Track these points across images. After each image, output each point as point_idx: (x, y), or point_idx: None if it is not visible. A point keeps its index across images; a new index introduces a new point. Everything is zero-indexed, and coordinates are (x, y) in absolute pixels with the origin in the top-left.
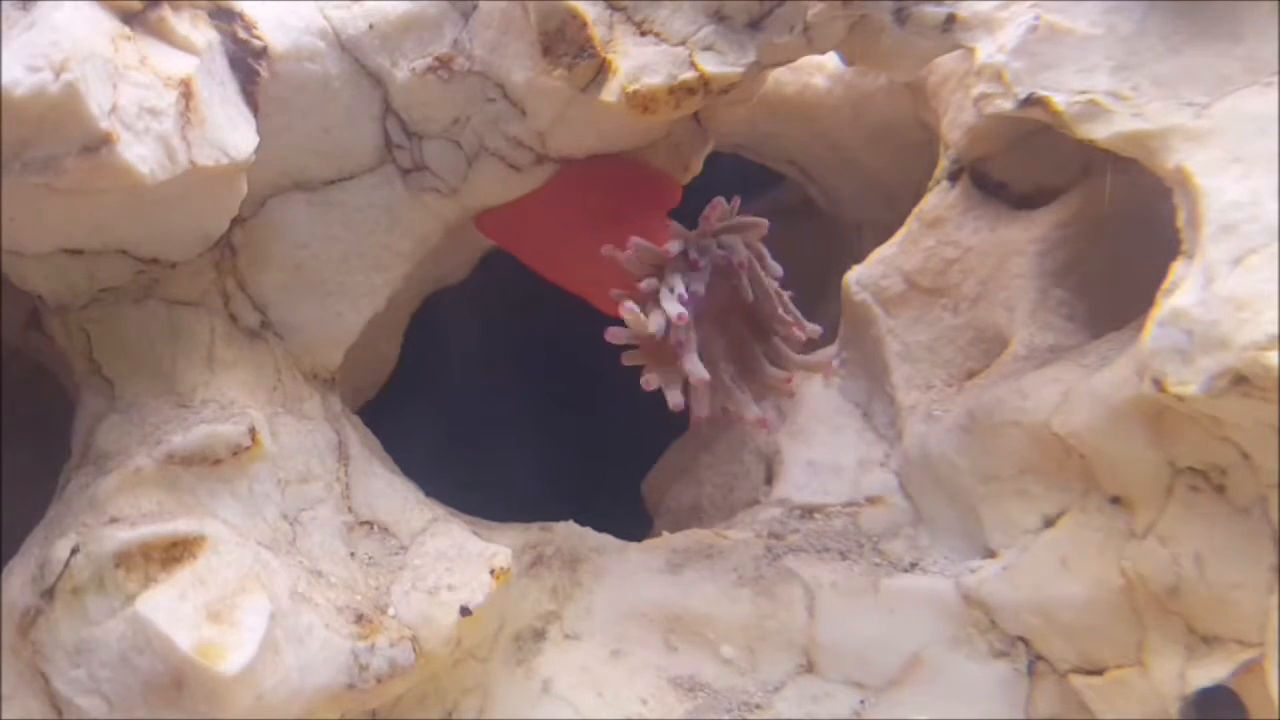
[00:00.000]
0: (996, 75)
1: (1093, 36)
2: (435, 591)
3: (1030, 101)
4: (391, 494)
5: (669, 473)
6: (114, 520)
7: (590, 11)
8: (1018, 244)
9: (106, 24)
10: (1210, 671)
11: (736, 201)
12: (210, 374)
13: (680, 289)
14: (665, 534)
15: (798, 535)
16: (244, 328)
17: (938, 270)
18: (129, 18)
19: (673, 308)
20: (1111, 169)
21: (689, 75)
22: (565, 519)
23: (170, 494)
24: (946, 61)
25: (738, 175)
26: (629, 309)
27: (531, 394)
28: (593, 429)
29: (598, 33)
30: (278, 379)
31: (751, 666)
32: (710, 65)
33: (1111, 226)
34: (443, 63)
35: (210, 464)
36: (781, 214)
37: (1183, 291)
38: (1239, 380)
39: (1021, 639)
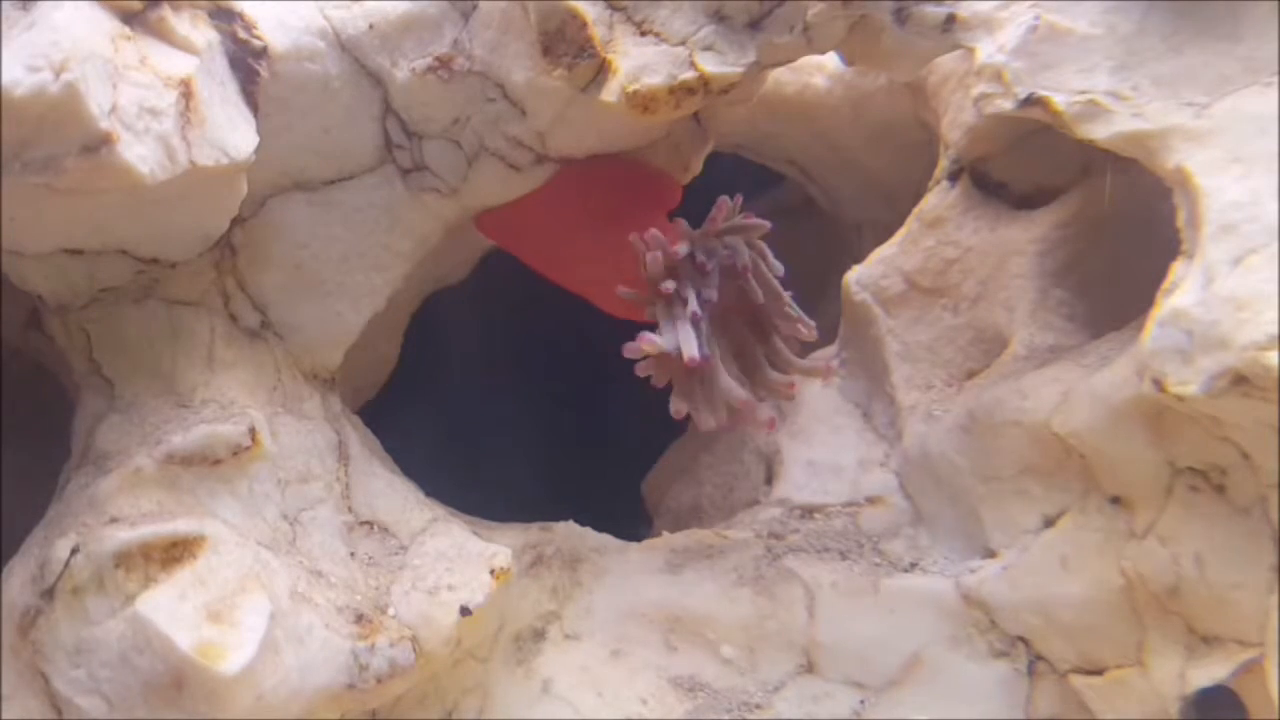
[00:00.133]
0: (996, 75)
1: (1093, 36)
2: (435, 591)
3: (1030, 101)
4: (391, 494)
5: (669, 473)
6: (114, 520)
7: (590, 11)
8: (1018, 244)
9: (106, 24)
10: (1210, 671)
11: (738, 200)
12: (210, 374)
13: (694, 305)
14: (665, 534)
15: (798, 535)
16: (244, 328)
17: (938, 270)
18: (129, 18)
19: (689, 346)
20: (1111, 169)
21: (689, 75)
22: (565, 519)
23: (170, 494)
24: (946, 61)
25: (738, 175)
26: (649, 340)
27: (531, 394)
28: (593, 429)
29: (598, 33)
30: (278, 379)
31: (751, 666)
32: (710, 65)
33: (1111, 226)
34: (443, 63)
35: (210, 464)
36: (781, 214)
37: (1183, 291)
38: (1239, 380)
39: (1021, 639)
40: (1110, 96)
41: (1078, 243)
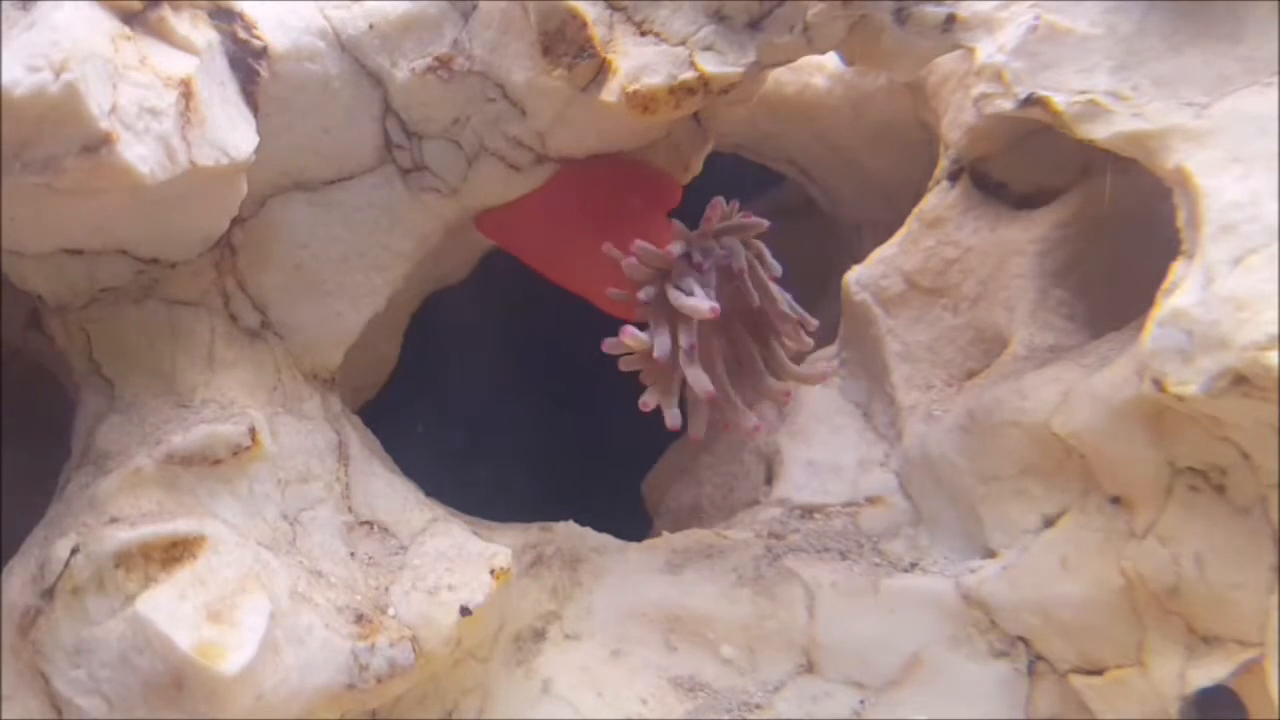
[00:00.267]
0: (996, 75)
1: (1093, 36)
2: (435, 591)
3: (1030, 101)
4: (391, 494)
5: (669, 473)
6: (114, 520)
7: (590, 11)
8: (1018, 244)
9: (106, 24)
10: (1210, 671)
11: (735, 205)
12: (210, 374)
13: (700, 295)
14: (665, 534)
15: (798, 535)
16: (244, 328)
17: (938, 270)
18: (129, 18)
19: (700, 384)
20: (1111, 169)
21: (689, 75)
22: (565, 519)
23: (170, 494)
24: (946, 61)
25: (738, 175)
26: (631, 334)
27: (531, 394)
28: (593, 429)
29: (598, 33)
30: (278, 379)
31: (751, 666)
32: (710, 65)
33: (1111, 226)
34: (443, 63)
35: (210, 464)
36: (781, 214)
37: (1183, 291)
38: (1239, 380)
39: (1021, 639)
40: (1110, 96)
41: (1078, 243)
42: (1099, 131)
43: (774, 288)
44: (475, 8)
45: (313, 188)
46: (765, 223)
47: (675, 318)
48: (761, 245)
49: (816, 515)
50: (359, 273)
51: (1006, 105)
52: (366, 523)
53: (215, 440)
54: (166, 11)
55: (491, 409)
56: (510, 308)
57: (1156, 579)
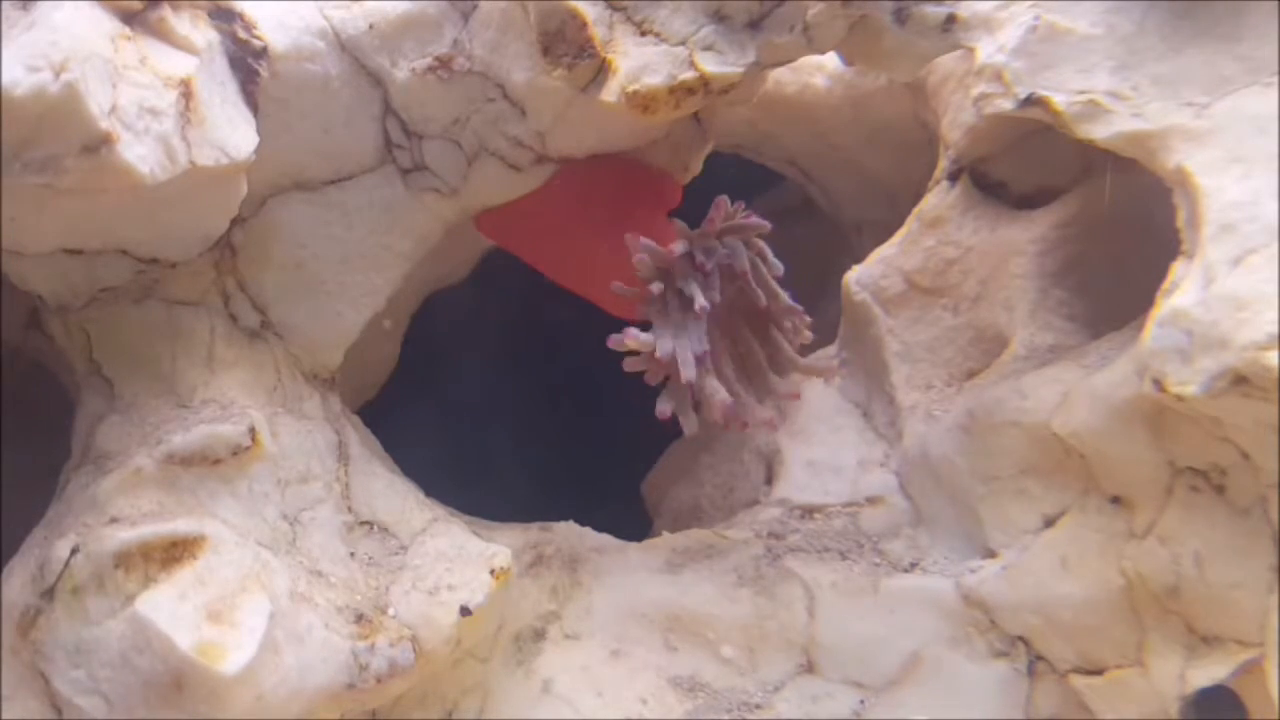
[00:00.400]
0: (996, 75)
1: (1093, 36)
2: (435, 591)
3: (1030, 101)
4: (391, 494)
5: (669, 473)
6: (114, 520)
7: (590, 11)
8: (1018, 244)
9: (106, 24)
10: (1210, 671)
11: (740, 205)
12: (210, 374)
13: (701, 300)
14: (665, 534)
15: (798, 535)
16: (244, 328)
17: (938, 270)
18: (129, 18)
19: (686, 366)
20: (1111, 169)
21: (689, 75)
22: (565, 519)
23: (170, 494)
24: (946, 61)
25: (738, 175)
26: (634, 335)
27: (531, 394)
28: (593, 429)
29: (598, 33)
30: (278, 379)
31: (751, 666)
32: (710, 65)
33: (1111, 226)
34: (443, 63)
35: (210, 464)
36: (781, 214)
37: (1183, 291)
38: (1239, 380)
39: (1021, 639)
40: (1110, 96)
41: (1078, 243)
42: (1099, 131)
43: (776, 287)
44: (475, 8)
45: (313, 188)
46: (767, 224)
47: (681, 320)
48: (763, 244)
49: (816, 515)
50: (359, 273)
51: (1006, 105)
52: (366, 523)
53: (215, 440)
54: (166, 11)
55: (491, 409)
56: (510, 308)
57: (1156, 579)
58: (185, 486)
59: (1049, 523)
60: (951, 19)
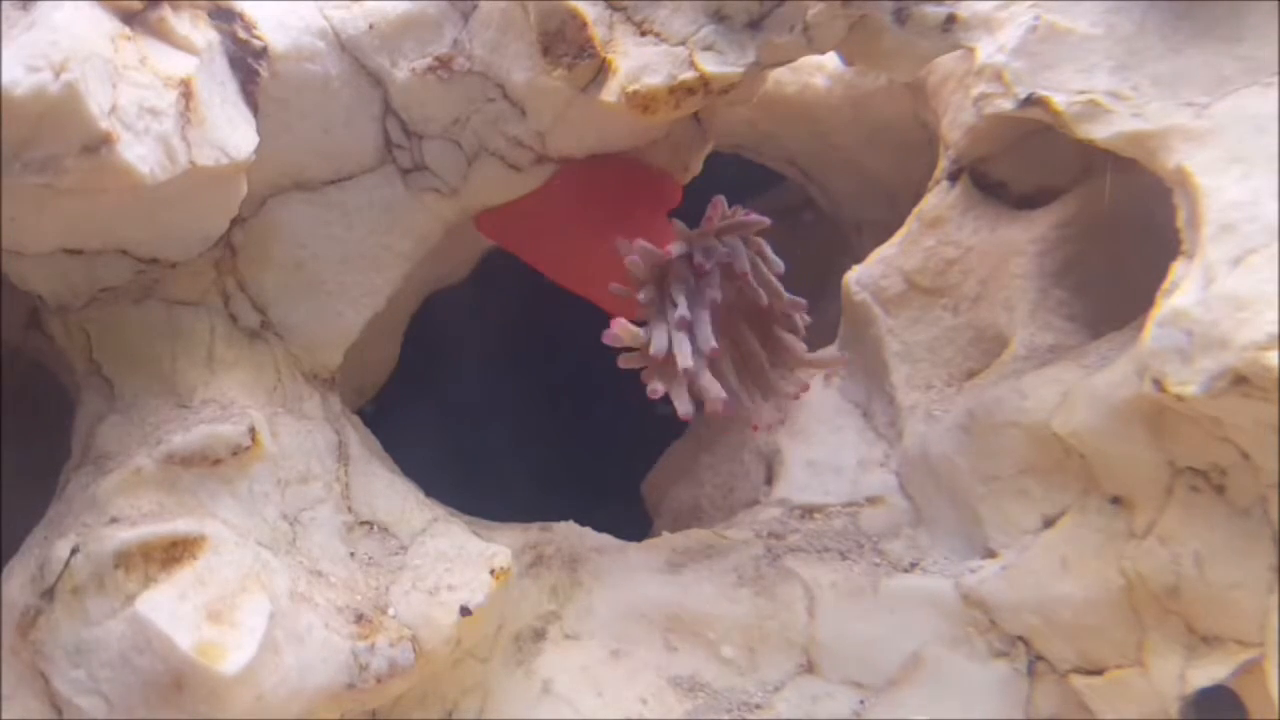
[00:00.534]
0: (996, 75)
1: (1093, 36)
2: (435, 591)
3: (1030, 101)
4: (391, 494)
5: (669, 473)
6: (114, 520)
7: (590, 11)
8: (1018, 244)
9: (106, 24)
10: (1210, 671)
11: (737, 208)
12: (210, 374)
13: (684, 309)
14: (665, 534)
15: (798, 535)
16: (244, 328)
17: (938, 270)
18: (129, 18)
19: (683, 356)
20: (1111, 169)
21: (689, 75)
22: (565, 519)
23: (170, 494)
24: (946, 61)
25: (738, 175)
26: (622, 325)
27: (531, 394)
28: (593, 429)
29: (598, 33)
30: (278, 379)
31: (751, 666)
32: (710, 65)
33: (1111, 226)
34: (443, 63)
35: (210, 464)
36: (781, 214)
37: (1183, 291)
38: (1239, 380)
39: (1021, 639)
40: (1110, 96)
41: (1078, 243)
42: (1099, 131)
43: (777, 285)
44: (475, 8)
45: (313, 188)
46: (766, 220)
47: (682, 318)
48: (762, 242)
49: (816, 515)
50: (359, 273)
51: (1006, 105)
52: (366, 523)
53: (215, 440)
54: (166, 11)
55: (491, 409)
56: (510, 308)
57: (1156, 579)
58: (185, 487)
59: (1049, 523)
60: (951, 19)
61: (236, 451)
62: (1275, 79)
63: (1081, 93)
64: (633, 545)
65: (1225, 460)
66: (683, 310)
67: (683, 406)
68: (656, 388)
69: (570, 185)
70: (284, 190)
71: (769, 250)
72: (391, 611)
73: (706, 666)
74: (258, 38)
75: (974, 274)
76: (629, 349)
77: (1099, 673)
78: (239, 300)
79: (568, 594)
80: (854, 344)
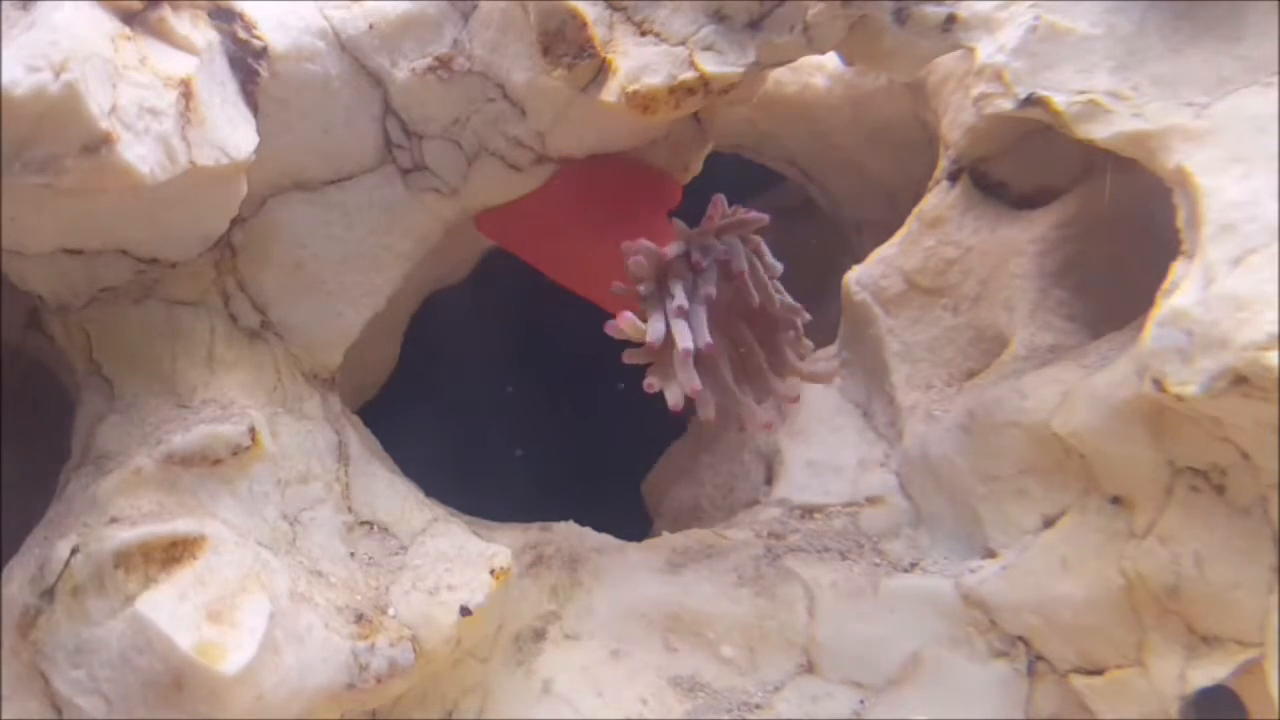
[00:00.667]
0: (996, 75)
1: (1093, 36)
2: (435, 591)
3: (1030, 101)
4: (391, 494)
5: (669, 473)
6: (114, 520)
7: (590, 11)
8: (1018, 244)
9: (106, 24)
10: (1210, 671)
11: (737, 208)
12: (210, 374)
13: (681, 299)
14: (665, 534)
15: (798, 535)
16: (244, 328)
17: (938, 270)
18: (129, 18)
19: (683, 338)
20: (1111, 169)
21: (689, 75)
22: (565, 519)
23: (170, 494)
24: (946, 61)
25: (738, 175)
26: (627, 319)
27: (531, 394)
28: (593, 429)
29: (598, 33)
30: (278, 379)
31: (751, 666)
32: (710, 65)
33: (1111, 226)
34: (443, 63)
35: (210, 464)
36: (781, 214)
37: (1183, 291)
38: (1239, 380)
39: (1021, 639)
40: (1110, 96)
41: (1078, 243)
42: (1099, 131)
43: (773, 288)
44: (475, 8)
45: (313, 188)
46: (765, 217)
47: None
48: (760, 242)
49: (816, 515)
50: (359, 273)
51: (1006, 105)
52: (366, 523)
53: (215, 440)
54: (166, 11)
55: (491, 409)
56: (510, 308)
57: (1156, 579)
58: (185, 487)
59: (1049, 523)
60: (951, 19)
61: (236, 451)
62: (1275, 79)
63: (1081, 93)
64: (633, 545)
65: (1225, 460)
66: (680, 300)
67: (672, 396)
68: (652, 382)
69: (570, 185)
70: (284, 190)
71: (767, 251)
72: (391, 611)
73: (706, 666)
74: (258, 38)
75: (974, 274)
76: (631, 343)
77: (1099, 673)
78: (239, 300)
79: (568, 594)
80: (854, 344)
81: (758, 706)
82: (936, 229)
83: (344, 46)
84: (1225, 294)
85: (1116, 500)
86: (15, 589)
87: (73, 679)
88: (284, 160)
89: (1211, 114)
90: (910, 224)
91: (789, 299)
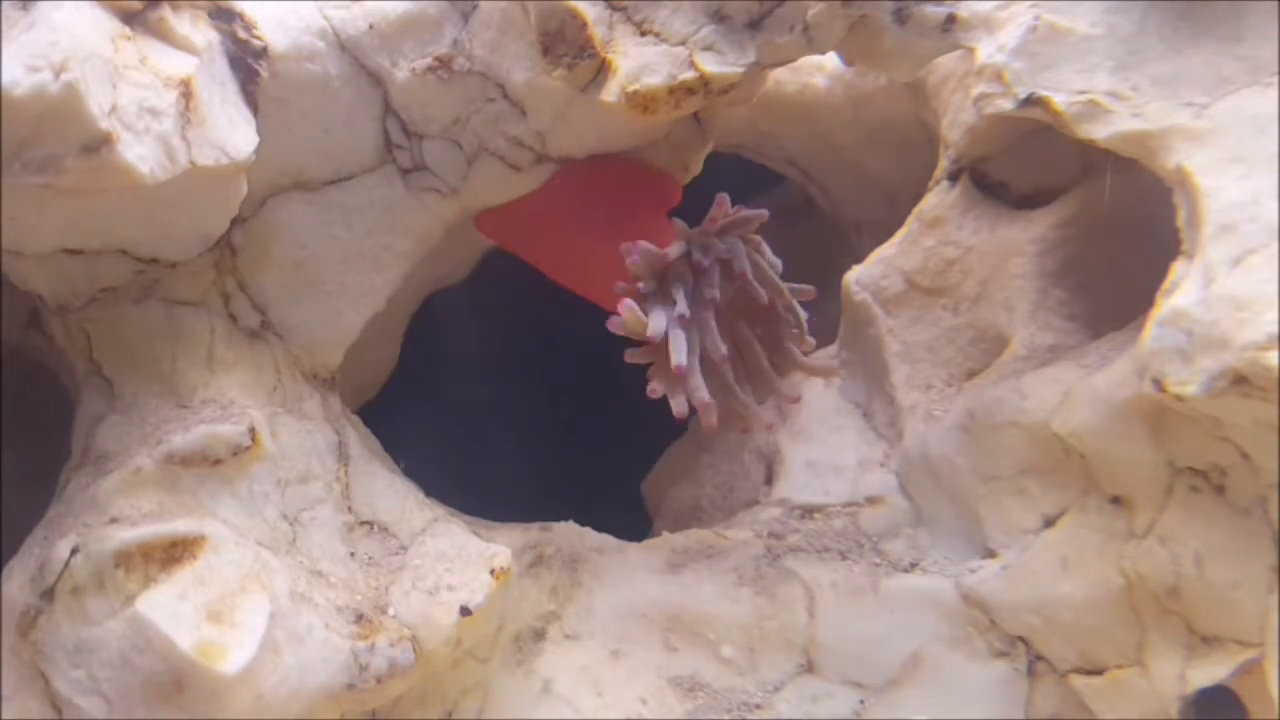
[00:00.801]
0: (996, 75)
1: (1093, 36)
2: (435, 591)
3: (1030, 101)
4: (391, 494)
5: (669, 473)
6: (114, 520)
7: (590, 11)
8: (1018, 244)
9: (106, 24)
10: (1210, 671)
11: (739, 208)
12: (210, 374)
13: (683, 306)
14: (665, 534)
15: (798, 535)
16: (244, 328)
17: (938, 270)
18: (129, 18)
19: (677, 353)
20: (1111, 169)
21: (689, 75)
22: (565, 519)
23: (170, 494)
24: (946, 61)
25: (738, 175)
26: (628, 307)
27: (531, 394)
28: (593, 429)
29: (598, 33)
30: (278, 379)
31: (751, 666)
32: (710, 65)
33: (1111, 226)
34: (443, 63)
35: (210, 464)
36: (781, 214)
37: (1183, 291)
38: (1239, 380)
39: (1021, 639)
40: (1110, 96)
41: (1078, 243)
42: (1099, 131)
43: (778, 281)
44: (475, 8)
45: (312, 188)
46: (764, 212)
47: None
48: (760, 240)
49: (816, 515)
50: (359, 273)
51: (1006, 105)
52: (366, 523)
53: (215, 440)
54: (166, 11)
55: (491, 409)
56: (510, 308)
57: (1156, 579)
58: (185, 487)
59: (1049, 523)
60: (951, 19)
61: (236, 451)
62: (1275, 79)
63: (1081, 93)
64: (633, 545)
65: (1225, 460)
66: (682, 308)
67: (677, 406)
68: (655, 388)
69: (570, 185)
70: (284, 190)
71: (767, 250)
72: (391, 611)
73: (706, 666)
74: (258, 38)
75: (974, 274)
76: (633, 342)
77: (1099, 673)
78: (239, 300)
79: (568, 594)
80: (854, 344)
81: (758, 706)
82: (936, 229)
83: (344, 46)
84: (1225, 294)
85: (1116, 500)
86: (15, 589)
87: (73, 679)
88: (284, 160)
89: (1211, 114)
90: (910, 224)
91: (791, 300)
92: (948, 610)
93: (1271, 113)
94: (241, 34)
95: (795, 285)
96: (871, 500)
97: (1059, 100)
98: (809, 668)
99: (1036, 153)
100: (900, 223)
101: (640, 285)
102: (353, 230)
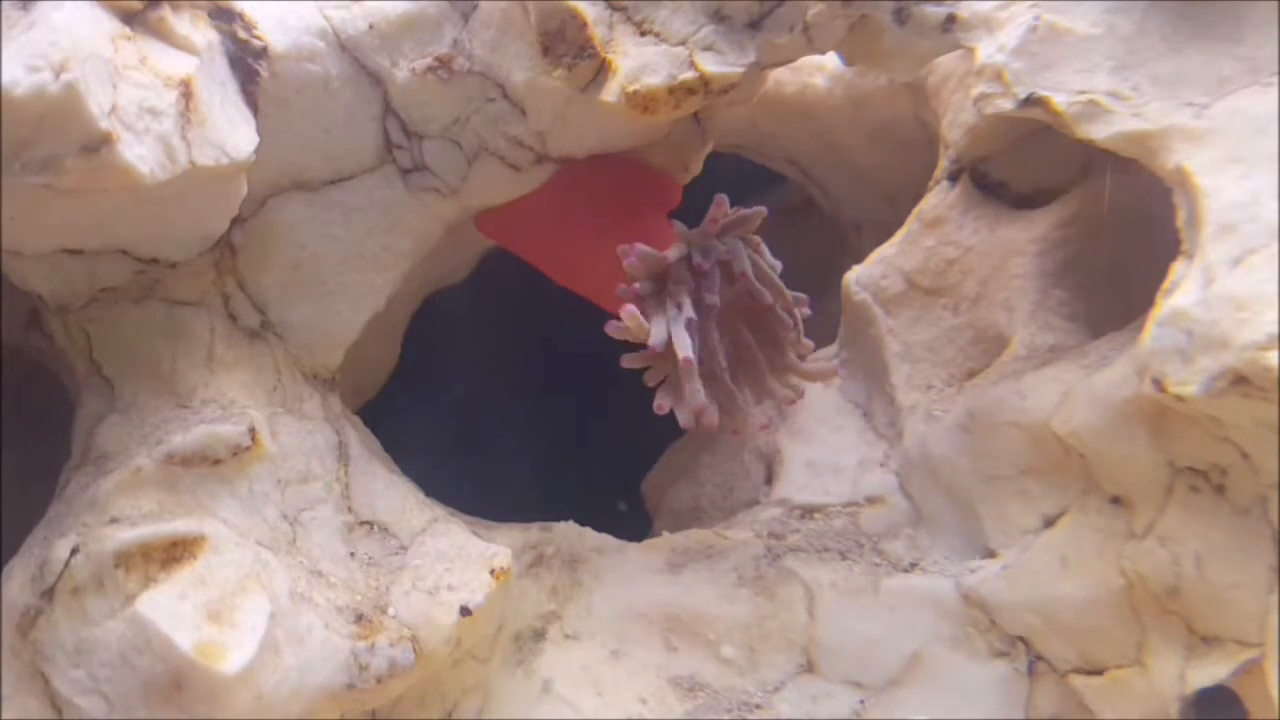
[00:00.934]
0: (996, 75)
1: (1093, 36)
2: (435, 591)
3: (1030, 101)
4: (391, 494)
5: (669, 473)
6: (114, 520)
7: (590, 11)
8: (1018, 244)
9: (106, 24)
10: (1210, 671)
11: (738, 209)
12: (210, 374)
13: (689, 310)
14: (665, 534)
15: (798, 535)
16: (244, 328)
17: (938, 270)
18: (129, 18)
19: (682, 348)
20: (1111, 169)
21: (689, 75)
22: (565, 519)
23: (170, 494)
24: (946, 61)
25: (738, 175)
26: (630, 313)
27: (531, 394)
28: (593, 429)
29: (598, 33)
30: (278, 379)
31: (751, 666)
32: (710, 65)
33: (1111, 226)
34: (443, 63)
35: (210, 464)
36: (781, 214)
37: (1183, 291)
38: (1239, 380)
39: (1021, 639)
40: (1110, 96)
41: (1078, 243)
42: (1099, 131)
43: (779, 282)
44: (475, 8)
45: (312, 188)
46: (763, 210)
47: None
48: (759, 241)
49: (816, 515)
50: (359, 272)
51: (1006, 105)
52: (366, 523)
53: (215, 440)
54: (166, 11)
55: (491, 409)
56: (510, 308)
57: (1156, 579)
58: (185, 487)
59: (1049, 523)
60: (951, 19)
61: (236, 451)
62: (1275, 79)
63: (1081, 93)
64: (633, 545)
65: (1225, 460)
66: (689, 313)
67: (684, 418)
68: (663, 404)
69: (570, 185)
70: (284, 190)
71: (766, 251)
72: (391, 611)
73: (706, 666)
74: (258, 38)
75: (974, 274)
76: (631, 345)
77: (1099, 673)
78: (239, 300)
79: (568, 594)
80: (854, 344)
81: (758, 706)
82: (936, 229)
83: (344, 46)
84: (1225, 294)
85: (1116, 500)
86: (15, 589)
87: (73, 679)
88: (284, 160)
89: (1211, 114)
90: (910, 224)
91: (791, 302)
92: (948, 610)
93: (1271, 113)
94: (241, 34)
95: (792, 294)
96: (871, 500)
97: (1059, 100)
98: (809, 668)
99: (1036, 153)
100: (900, 223)
101: (637, 286)
102: (353, 230)
